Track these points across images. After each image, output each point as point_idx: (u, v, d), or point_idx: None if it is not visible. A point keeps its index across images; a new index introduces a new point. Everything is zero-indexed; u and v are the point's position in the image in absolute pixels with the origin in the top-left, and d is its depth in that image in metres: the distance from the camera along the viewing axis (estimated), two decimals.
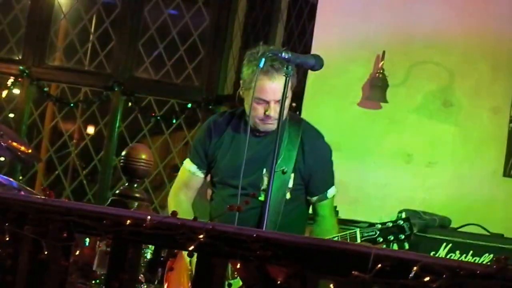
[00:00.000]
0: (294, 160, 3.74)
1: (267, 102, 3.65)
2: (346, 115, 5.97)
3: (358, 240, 3.53)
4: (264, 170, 3.74)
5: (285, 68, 3.46)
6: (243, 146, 3.73)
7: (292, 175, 3.76)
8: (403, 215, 3.55)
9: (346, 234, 3.56)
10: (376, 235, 3.52)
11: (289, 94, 3.60)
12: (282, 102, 3.44)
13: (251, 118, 3.74)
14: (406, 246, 3.56)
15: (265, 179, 3.74)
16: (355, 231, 3.54)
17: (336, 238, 3.58)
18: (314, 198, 3.86)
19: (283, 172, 3.66)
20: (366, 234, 3.53)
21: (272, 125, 3.72)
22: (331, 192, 3.88)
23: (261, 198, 3.72)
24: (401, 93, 5.84)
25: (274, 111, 3.66)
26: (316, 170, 3.82)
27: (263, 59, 3.50)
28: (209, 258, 2.43)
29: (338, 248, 2.24)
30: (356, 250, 2.17)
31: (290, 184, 3.76)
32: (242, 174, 3.53)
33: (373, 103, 5.88)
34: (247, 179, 3.65)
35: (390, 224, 3.54)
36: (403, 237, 3.52)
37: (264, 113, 3.66)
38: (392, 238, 3.52)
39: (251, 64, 3.70)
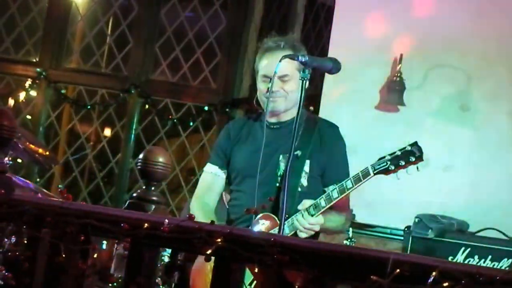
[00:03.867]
0: (310, 146, 3.74)
1: (270, 79, 3.67)
2: (364, 118, 5.95)
3: (371, 174, 3.48)
4: (281, 156, 3.75)
5: (301, 72, 3.47)
6: (259, 137, 3.76)
7: (308, 161, 3.74)
8: (410, 141, 3.48)
9: (358, 173, 3.51)
10: (388, 165, 3.47)
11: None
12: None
13: (260, 100, 3.81)
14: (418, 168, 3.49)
15: (281, 165, 3.74)
16: (367, 167, 3.49)
17: (348, 180, 3.51)
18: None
19: (297, 157, 3.63)
20: (378, 167, 3.47)
21: (278, 103, 3.75)
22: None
23: (278, 183, 3.73)
24: (418, 96, 5.82)
25: (277, 86, 3.70)
26: (334, 157, 3.81)
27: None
28: (227, 263, 2.42)
29: (356, 253, 2.23)
30: (374, 256, 2.16)
31: (307, 169, 3.75)
32: (261, 158, 3.57)
33: (391, 106, 5.86)
34: (264, 167, 3.66)
35: (399, 153, 3.48)
36: (414, 159, 3.44)
37: (267, 89, 3.68)
38: (403, 163, 3.46)
39: (259, 50, 3.84)
